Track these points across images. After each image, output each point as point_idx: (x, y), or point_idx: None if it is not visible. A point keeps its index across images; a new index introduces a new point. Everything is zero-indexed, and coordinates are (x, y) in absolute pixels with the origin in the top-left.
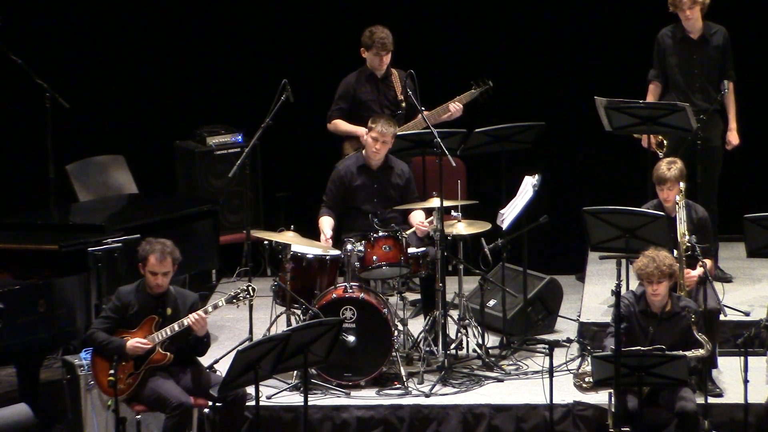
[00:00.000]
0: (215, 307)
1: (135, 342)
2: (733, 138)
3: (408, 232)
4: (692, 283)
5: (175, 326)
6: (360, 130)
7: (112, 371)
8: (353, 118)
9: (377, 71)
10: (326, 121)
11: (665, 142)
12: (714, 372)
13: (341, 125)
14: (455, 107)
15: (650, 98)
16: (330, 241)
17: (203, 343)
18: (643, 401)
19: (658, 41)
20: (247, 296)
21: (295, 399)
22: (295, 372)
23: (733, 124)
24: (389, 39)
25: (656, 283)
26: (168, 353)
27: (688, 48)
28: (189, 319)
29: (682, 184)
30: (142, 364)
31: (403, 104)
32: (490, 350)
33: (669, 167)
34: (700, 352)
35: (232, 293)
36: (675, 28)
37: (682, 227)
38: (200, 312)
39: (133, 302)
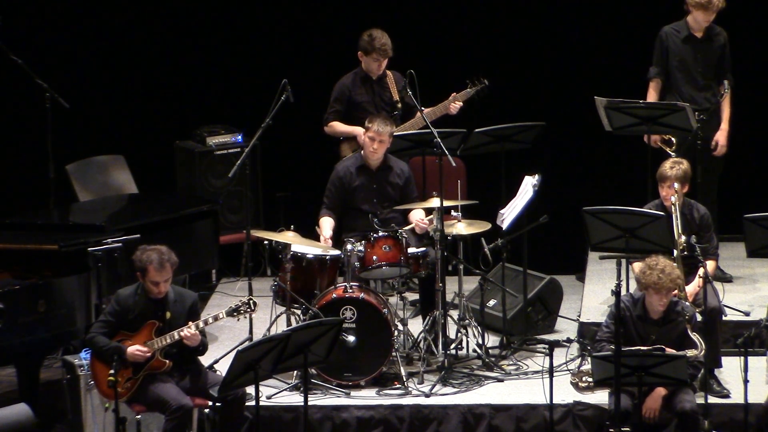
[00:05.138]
0: (215, 318)
1: (135, 350)
2: (722, 139)
3: (406, 228)
4: (693, 296)
5: (175, 334)
6: (357, 131)
7: (112, 371)
8: (349, 120)
9: (373, 74)
10: (323, 123)
11: (674, 139)
12: (715, 372)
13: (338, 127)
14: (455, 106)
15: (652, 96)
16: (329, 241)
17: (198, 351)
18: (639, 401)
19: (662, 39)
20: (248, 310)
21: (295, 399)
22: (295, 372)
23: (725, 125)
24: (389, 45)
25: (665, 295)
26: (167, 361)
27: (692, 47)
28: (183, 333)
29: (677, 185)
30: (140, 370)
31: (399, 105)
32: (490, 350)
33: (672, 166)
34: (693, 352)
35: (233, 306)
36: (679, 26)
37: (677, 229)
38: (192, 328)
39: (132, 306)
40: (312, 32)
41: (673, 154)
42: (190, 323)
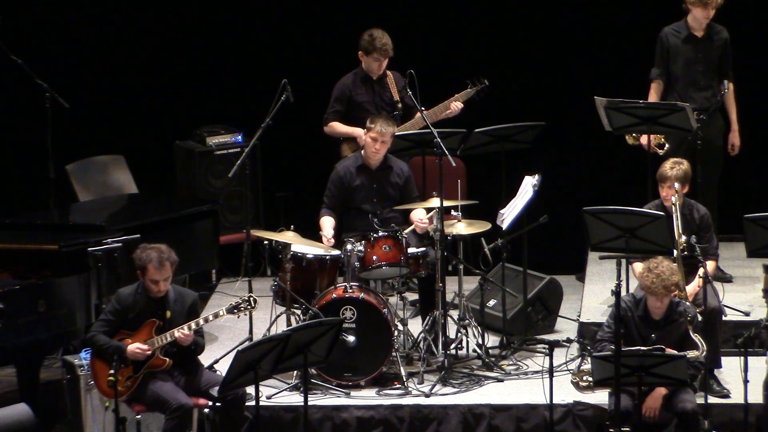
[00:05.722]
0: (216, 316)
1: (135, 347)
2: (736, 139)
3: (407, 230)
4: (693, 296)
5: (176, 332)
6: (357, 131)
7: (112, 371)
8: (349, 120)
9: (373, 74)
10: (322, 123)
11: (666, 144)
12: (715, 372)
13: (338, 127)
14: (456, 106)
15: (653, 97)
16: (332, 240)
17: (192, 350)
18: (639, 401)
19: (662, 40)
20: (249, 307)
21: (295, 399)
22: (295, 372)
23: (735, 125)
24: (390, 45)
25: (660, 299)
26: (167, 359)
27: (693, 46)
28: (176, 335)
29: (677, 185)
30: (140, 368)
31: (399, 105)
32: (490, 350)
33: (672, 166)
34: (695, 353)
35: (233, 303)
36: (679, 26)
37: (677, 229)
38: (185, 330)
39: (132, 305)
40: (312, 32)
41: (661, 155)
42: (190, 324)
